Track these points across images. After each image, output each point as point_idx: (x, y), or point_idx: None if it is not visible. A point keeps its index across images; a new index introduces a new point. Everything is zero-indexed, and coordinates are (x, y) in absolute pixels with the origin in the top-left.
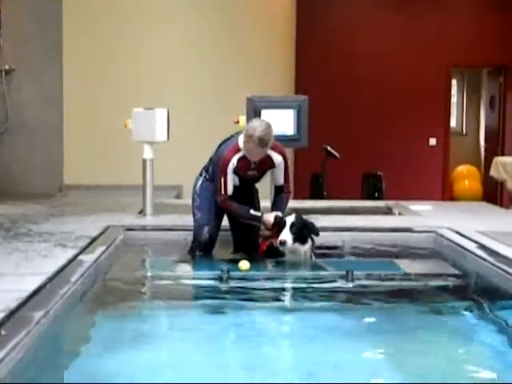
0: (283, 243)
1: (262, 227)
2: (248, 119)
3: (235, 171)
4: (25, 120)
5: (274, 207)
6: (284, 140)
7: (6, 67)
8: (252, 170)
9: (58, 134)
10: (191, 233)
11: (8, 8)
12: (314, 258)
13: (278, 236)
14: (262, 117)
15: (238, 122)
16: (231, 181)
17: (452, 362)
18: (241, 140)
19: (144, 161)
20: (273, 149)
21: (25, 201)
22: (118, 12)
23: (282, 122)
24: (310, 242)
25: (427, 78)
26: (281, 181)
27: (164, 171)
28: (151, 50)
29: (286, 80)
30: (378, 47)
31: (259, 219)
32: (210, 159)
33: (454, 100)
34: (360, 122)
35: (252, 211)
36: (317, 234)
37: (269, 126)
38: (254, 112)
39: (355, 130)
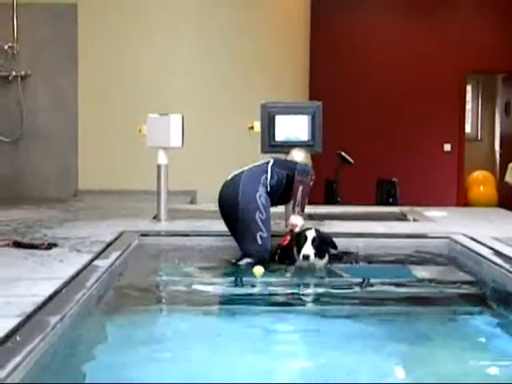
0: (306, 257)
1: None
2: (262, 125)
3: None
4: (40, 125)
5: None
6: (298, 146)
7: (22, 73)
8: None
9: (72, 139)
10: (205, 238)
11: (23, 14)
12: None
13: (290, 240)
14: (277, 123)
15: (252, 128)
16: None
17: (466, 368)
18: None
19: (158, 166)
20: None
21: (39, 206)
22: (134, 18)
23: (297, 127)
24: (327, 256)
25: (442, 84)
26: None
27: (178, 177)
28: (166, 56)
29: (300, 86)
30: (393, 53)
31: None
32: (273, 165)
33: (468, 106)
34: (374, 128)
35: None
36: (335, 248)
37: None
38: (268, 118)
39: (370, 136)
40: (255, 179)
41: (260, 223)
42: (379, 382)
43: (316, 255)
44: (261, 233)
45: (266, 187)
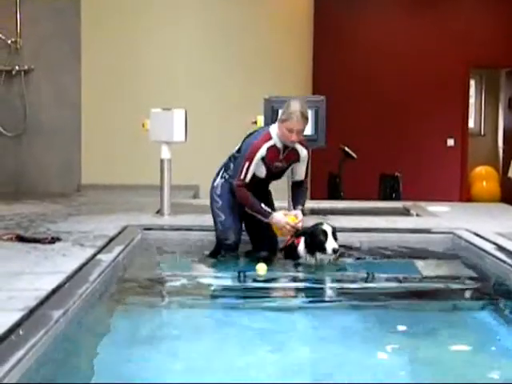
0: (336, 251)
1: (274, 227)
2: (265, 120)
3: (264, 160)
4: (43, 120)
5: (295, 200)
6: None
7: (25, 67)
8: (280, 161)
9: (75, 133)
10: (208, 233)
11: (27, 9)
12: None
13: (300, 239)
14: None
15: (255, 123)
16: (253, 170)
17: (470, 364)
18: (274, 128)
19: (162, 161)
20: (300, 142)
21: (43, 200)
22: (137, 13)
23: None
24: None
25: (446, 79)
26: (302, 176)
27: (181, 171)
28: (169, 51)
29: (303, 80)
30: (396, 47)
31: (268, 215)
32: (230, 158)
33: (472, 101)
34: (377, 123)
35: (263, 205)
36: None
37: (303, 102)
38: (271, 112)
39: (373, 131)
40: (216, 176)
41: (217, 211)
42: (380, 382)
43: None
44: (219, 218)
45: (225, 179)
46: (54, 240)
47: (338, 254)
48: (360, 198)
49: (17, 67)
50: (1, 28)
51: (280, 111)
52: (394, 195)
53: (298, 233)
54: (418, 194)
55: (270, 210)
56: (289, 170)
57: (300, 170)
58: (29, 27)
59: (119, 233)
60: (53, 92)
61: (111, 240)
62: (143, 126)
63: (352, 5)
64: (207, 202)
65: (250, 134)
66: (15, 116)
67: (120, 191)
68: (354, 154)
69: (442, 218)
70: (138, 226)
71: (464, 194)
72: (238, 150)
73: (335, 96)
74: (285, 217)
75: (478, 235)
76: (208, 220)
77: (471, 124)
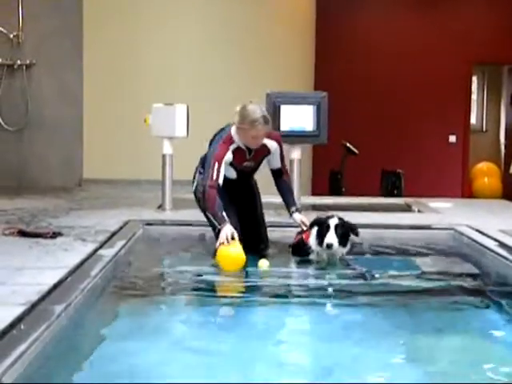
0: (330, 246)
1: (220, 236)
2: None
3: (232, 164)
4: (45, 114)
5: (285, 201)
6: (303, 136)
7: (27, 62)
8: (248, 161)
9: (77, 128)
10: (210, 228)
11: (29, 4)
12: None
13: (308, 233)
14: (282, 113)
15: None
16: (223, 172)
17: (471, 360)
18: (234, 132)
19: (163, 156)
20: (268, 136)
21: (44, 195)
22: (138, 9)
23: (302, 118)
24: (349, 245)
25: (448, 75)
26: (278, 164)
27: (183, 166)
28: (171, 47)
29: (305, 76)
30: (399, 44)
31: (221, 223)
32: (202, 159)
33: (474, 97)
34: (380, 119)
35: (224, 214)
36: (356, 235)
37: (260, 104)
38: (273, 107)
39: (374, 127)
40: (195, 173)
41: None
42: (381, 382)
43: (339, 244)
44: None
45: (201, 173)
46: (55, 235)
47: (347, 246)
48: (362, 194)
49: (18, 61)
50: (3, 22)
51: (236, 117)
52: (395, 191)
53: (310, 223)
54: (419, 190)
55: (226, 218)
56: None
57: (274, 161)
58: (31, 22)
59: (121, 228)
60: (55, 87)
61: (113, 235)
62: (145, 121)
63: (355, 1)
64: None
65: (216, 135)
66: (17, 111)
67: (122, 186)
68: (355, 150)
69: (443, 215)
70: (140, 221)
71: (466, 191)
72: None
73: (337, 92)
74: (230, 231)
75: (479, 231)
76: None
77: (473, 120)
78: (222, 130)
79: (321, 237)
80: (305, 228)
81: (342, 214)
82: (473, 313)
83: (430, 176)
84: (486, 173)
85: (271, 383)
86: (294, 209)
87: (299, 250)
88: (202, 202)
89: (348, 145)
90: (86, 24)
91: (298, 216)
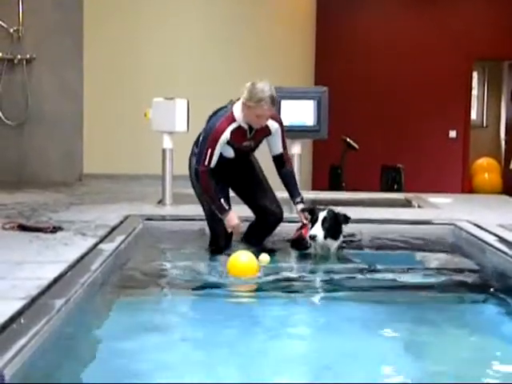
0: (313, 238)
1: (226, 223)
2: None
3: (229, 143)
4: (45, 109)
5: (290, 192)
6: (304, 131)
7: (27, 56)
8: (248, 141)
9: (77, 123)
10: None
11: None
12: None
13: (307, 229)
14: (282, 108)
15: None
16: (217, 154)
17: (470, 355)
18: (237, 109)
19: (163, 151)
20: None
21: (45, 189)
22: (139, 6)
23: (302, 113)
24: (341, 237)
25: (448, 71)
26: (280, 149)
27: (183, 161)
28: (171, 43)
29: (305, 71)
30: (399, 41)
31: (224, 212)
32: (198, 136)
33: (474, 92)
34: (380, 114)
35: (222, 201)
36: (346, 222)
37: (270, 83)
38: None
39: (375, 122)
40: (190, 155)
41: (197, 190)
42: (380, 382)
43: (327, 236)
44: (203, 196)
45: (195, 155)
46: (55, 229)
47: (338, 239)
48: (361, 189)
49: (19, 56)
50: (3, 17)
51: (244, 93)
52: (395, 187)
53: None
54: (419, 185)
55: (227, 207)
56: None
57: (275, 143)
58: (31, 17)
59: (121, 222)
60: (55, 81)
61: (113, 229)
62: (145, 115)
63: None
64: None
65: (215, 113)
66: (17, 105)
67: (122, 181)
68: (355, 145)
69: (443, 210)
70: (140, 216)
71: (466, 186)
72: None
73: (337, 88)
74: (237, 218)
75: (479, 227)
76: None
77: (473, 116)
78: (223, 107)
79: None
80: (305, 221)
81: (341, 209)
82: (472, 307)
83: (430, 171)
84: (486, 168)
85: (271, 383)
86: (298, 199)
87: (298, 245)
88: (195, 185)
89: (348, 140)
90: (86, 19)
91: (301, 207)
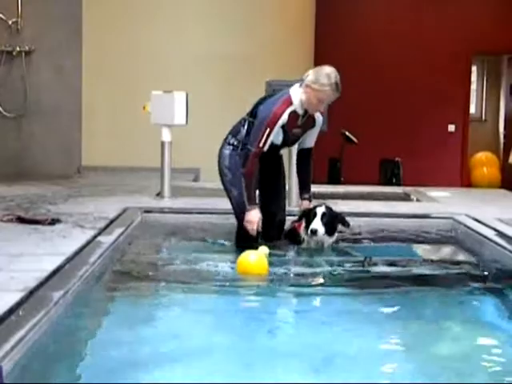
0: (314, 232)
1: (247, 216)
2: None
3: (284, 127)
4: (44, 101)
5: (304, 183)
6: None
7: (26, 48)
8: (298, 128)
9: (76, 115)
10: (208, 216)
11: None
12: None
13: (301, 223)
14: None
15: None
16: (272, 138)
17: (469, 348)
18: (295, 92)
19: (162, 143)
20: None
21: (43, 182)
22: None
23: None
24: (336, 234)
25: (448, 65)
26: (312, 143)
27: (182, 154)
28: (170, 35)
29: (305, 64)
30: (398, 33)
31: (251, 203)
32: (241, 122)
33: (473, 87)
34: (379, 107)
35: (256, 193)
36: (347, 226)
37: (336, 71)
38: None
39: (374, 116)
40: (223, 144)
41: (228, 185)
42: (379, 382)
43: (325, 232)
44: (231, 193)
45: (233, 146)
46: (53, 221)
47: (334, 235)
48: (360, 182)
49: (18, 48)
50: (2, 9)
51: (310, 76)
52: (394, 180)
53: (300, 214)
54: (418, 179)
55: (256, 201)
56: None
57: (311, 137)
58: (30, 9)
59: (119, 215)
60: (54, 74)
61: (111, 222)
62: (144, 108)
63: None
64: (208, 185)
65: (265, 98)
66: (16, 97)
67: (120, 173)
68: (354, 139)
69: (441, 204)
70: (138, 209)
71: (464, 180)
72: (252, 115)
73: None
74: (258, 217)
75: (477, 221)
76: (208, 203)
77: (472, 110)
78: (277, 93)
79: (308, 225)
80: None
81: (340, 203)
82: (470, 301)
83: (429, 165)
84: (484, 162)
85: (271, 383)
86: (307, 195)
87: (292, 238)
88: (235, 166)
89: (347, 133)
90: (85, 11)
91: (306, 204)
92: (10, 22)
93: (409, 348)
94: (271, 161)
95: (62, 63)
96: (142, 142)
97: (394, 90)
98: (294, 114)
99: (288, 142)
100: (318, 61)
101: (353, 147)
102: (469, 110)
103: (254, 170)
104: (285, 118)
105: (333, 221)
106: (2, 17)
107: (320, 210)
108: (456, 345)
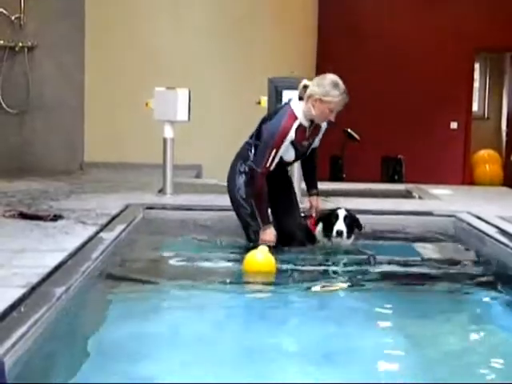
0: (340, 233)
1: (261, 235)
2: (269, 100)
3: (293, 143)
4: (46, 97)
5: (310, 180)
6: None
7: (29, 44)
8: (306, 140)
9: (78, 111)
10: (210, 212)
11: None
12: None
13: (314, 223)
14: (284, 98)
15: (259, 103)
16: (279, 157)
17: (470, 347)
18: (297, 106)
19: (164, 140)
20: None
21: (45, 178)
22: None
23: None
24: (353, 237)
25: (450, 62)
26: (317, 144)
27: (184, 151)
28: (173, 31)
29: (307, 61)
30: (401, 31)
31: (265, 223)
32: (247, 148)
33: (476, 84)
34: (381, 105)
35: (269, 211)
36: (360, 229)
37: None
38: (275, 93)
39: (376, 113)
40: (233, 171)
41: (247, 218)
42: (379, 382)
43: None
44: (251, 228)
45: (245, 173)
46: (56, 217)
47: (351, 237)
48: (362, 180)
49: (20, 44)
50: (4, 4)
51: (315, 89)
52: (396, 178)
53: (317, 217)
54: (420, 176)
55: (270, 219)
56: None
57: (317, 141)
58: (33, 4)
59: (121, 211)
60: (56, 69)
61: (113, 218)
62: (146, 105)
63: None
64: (209, 181)
65: (266, 119)
66: (18, 93)
67: (123, 170)
68: (357, 136)
69: (444, 201)
70: (141, 205)
71: (467, 178)
72: (257, 137)
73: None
74: (273, 235)
75: (479, 218)
76: (210, 200)
77: (475, 107)
78: (277, 110)
79: (328, 227)
80: (313, 213)
81: (342, 200)
82: (473, 298)
83: (431, 162)
84: (487, 160)
85: (271, 383)
86: (315, 191)
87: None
88: (244, 189)
89: (349, 131)
90: (87, 6)
91: (314, 200)
92: (13, 18)
93: (411, 346)
94: (280, 177)
95: (64, 59)
96: (144, 138)
97: (396, 88)
98: (301, 127)
99: (299, 156)
100: (321, 59)
101: (355, 144)
102: (471, 108)
103: (263, 189)
104: (292, 134)
105: (352, 223)
106: (5, 12)
107: (342, 213)
108: (459, 343)
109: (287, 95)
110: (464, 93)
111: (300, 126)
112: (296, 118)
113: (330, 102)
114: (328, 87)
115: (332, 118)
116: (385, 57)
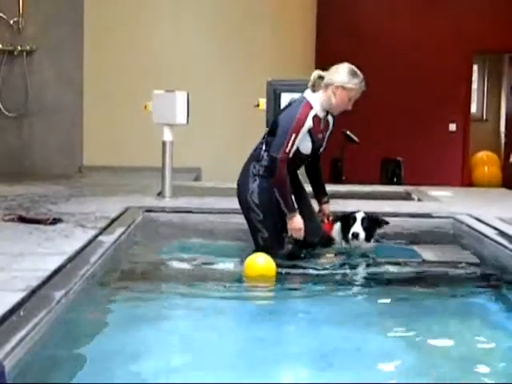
0: (356, 236)
1: (289, 225)
2: (268, 103)
3: (310, 132)
4: (45, 101)
5: (319, 187)
6: None
7: (27, 48)
8: (321, 132)
9: (77, 115)
10: (209, 215)
11: None
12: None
13: (330, 225)
14: (283, 100)
15: (258, 106)
16: (298, 143)
17: (470, 347)
18: (312, 97)
19: (163, 143)
20: None
21: (44, 181)
22: None
23: None
24: (373, 240)
25: (449, 64)
26: (325, 145)
27: (183, 154)
28: (172, 32)
29: (306, 63)
30: (399, 32)
31: (292, 211)
32: (261, 147)
33: (474, 86)
34: (380, 107)
35: (293, 198)
36: (386, 223)
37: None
38: (273, 95)
39: (375, 115)
40: (245, 173)
41: (258, 224)
42: (380, 383)
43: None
44: (261, 234)
45: (259, 176)
46: (55, 221)
47: (371, 241)
48: (362, 182)
49: (19, 47)
50: (3, 8)
51: (337, 77)
52: (395, 179)
53: (335, 218)
54: (419, 178)
55: (295, 207)
56: None
57: (326, 138)
58: (31, 8)
59: (120, 214)
60: (55, 73)
61: (112, 221)
62: (145, 107)
63: None
64: (209, 184)
65: (281, 111)
66: (17, 97)
67: (122, 173)
68: (356, 138)
69: (443, 203)
70: (140, 208)
71: (465, 179)
72: (269, 134)
73: None
74: (301, 222)
75: (479, 220)
76: (209, 203)
77: (473, 109)
78: (291, 103)
79: (346, 230)
80: (326, 220)
81: (341, 202)
82: (472, 300)
83: (430, 164)
84: (485, 162)
85: (271, 383)
86: (326, 199)
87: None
88: (268, 203)
89: (348, 133)
90: (86, 10)
91: (326, 207)
92: (12, 22)
93: (410, 347)
94: (292, 183)
95: (63, 63)
96: (143, 141)
97: (395, 89)
98: (316, 117)
99: (314, 149)
100: (320, 59)
101: (354, 147)
102: (470, 110)
103: (285, 176)
104: (309, 122)
105: (371, 227)
106: (4, 16)
107: (360, 215)
108: (458, 344)
109: (286, 98)
110: (462, 94)
111: (316, 115)
112: (311, 108)
113: (351, 90)
114: (349, 74)
115: (349, 106)
116: (384, 58)
